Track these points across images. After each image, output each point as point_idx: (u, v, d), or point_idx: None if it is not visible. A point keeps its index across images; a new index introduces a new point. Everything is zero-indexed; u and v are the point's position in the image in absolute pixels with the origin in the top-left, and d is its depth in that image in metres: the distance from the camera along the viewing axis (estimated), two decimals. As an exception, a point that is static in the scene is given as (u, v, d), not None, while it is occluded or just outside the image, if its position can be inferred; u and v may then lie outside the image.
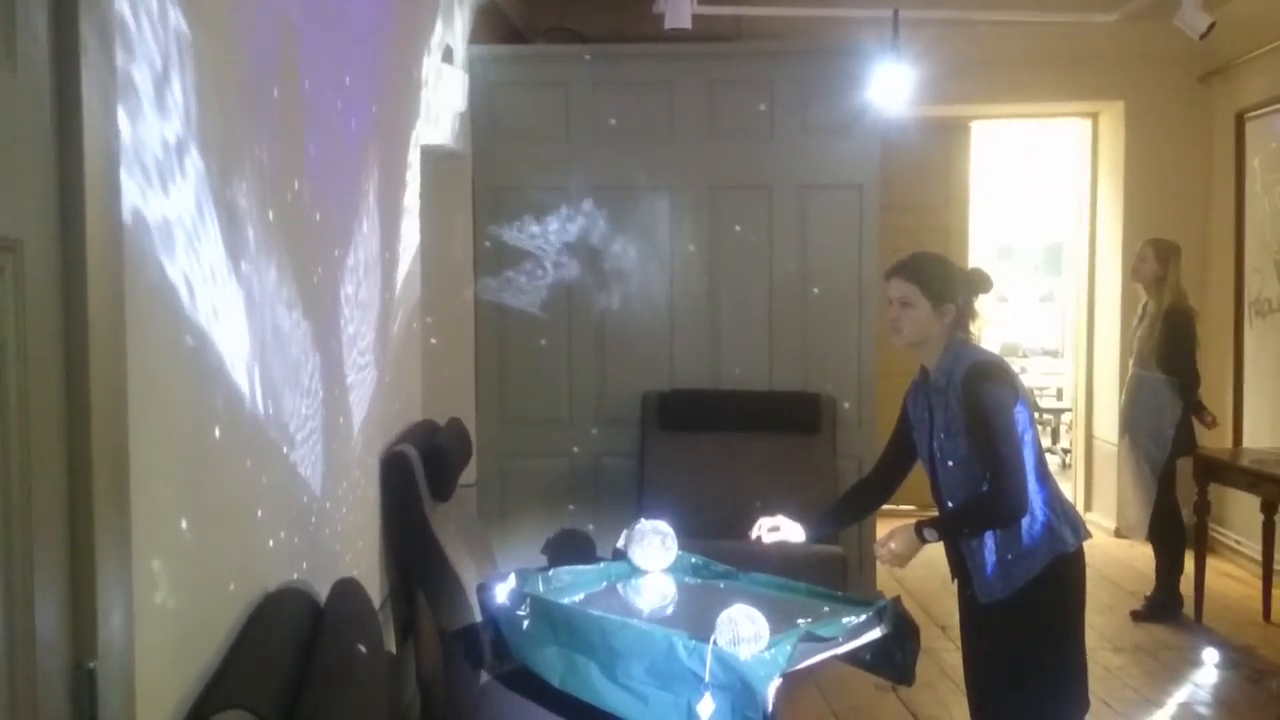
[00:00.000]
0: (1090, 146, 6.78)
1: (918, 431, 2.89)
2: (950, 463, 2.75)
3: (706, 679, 2.16)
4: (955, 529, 2.73)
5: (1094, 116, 6.73)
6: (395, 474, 3.18)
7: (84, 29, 1.13)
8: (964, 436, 2.68)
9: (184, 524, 1.70)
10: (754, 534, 3.01)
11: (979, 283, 2.88)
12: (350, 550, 2.85)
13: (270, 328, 2.16)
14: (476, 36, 4.70)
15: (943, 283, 2.75)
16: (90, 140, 1.15)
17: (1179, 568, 5.09)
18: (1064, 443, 8.86)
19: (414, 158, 3.69)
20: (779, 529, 2.99)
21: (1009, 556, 2.68)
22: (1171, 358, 4.93)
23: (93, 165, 1.15)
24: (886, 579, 5.01)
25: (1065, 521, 2.70)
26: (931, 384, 2.78)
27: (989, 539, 2.70)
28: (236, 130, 1.98)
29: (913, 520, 2.72)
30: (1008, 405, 2.64)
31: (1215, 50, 5.80)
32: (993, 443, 2.60)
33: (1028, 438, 2.68)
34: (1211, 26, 5.08)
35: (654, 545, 3.04)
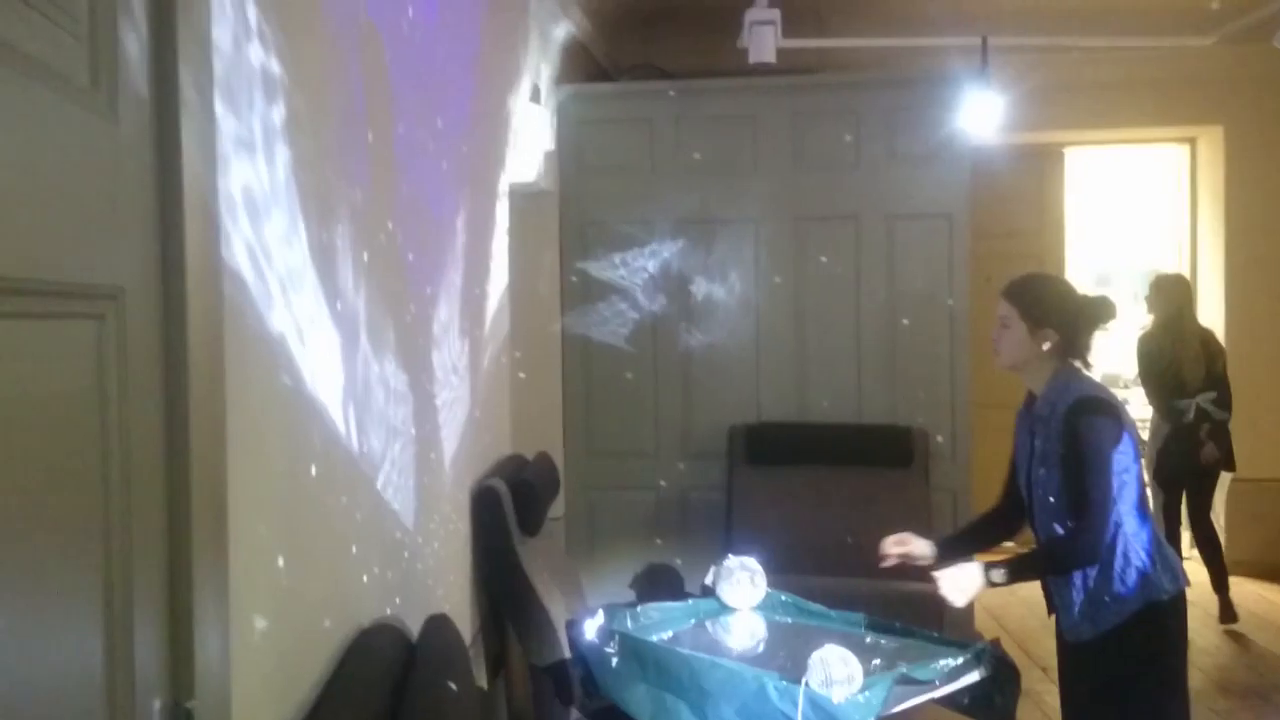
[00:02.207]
0: (1189, 172, 6.59)
1: (1019, 457, 2.81)
2: (1049, 496, 2.66)
3: (799, 721, 2.12)
4: (1024, 574, 2.64)
5: (1192, 141, 6.54)
6: (485, 508, 3.21)
7: (183, 81, 1.17)
8: (1059, 469, 2.60)
9: (281, 561, 1.73)
10: (882, 551, 2.92)
11: (1099, 312, 2.69)
12: (442, 585, 2.88)
13: (364, 366, 2.20)
14: (563, 76, 4.76)
15: (1043, 307, 2.65)
16: (190, 188, 1.18)
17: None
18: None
19: (503, 196, 3.75)
20: (906, 543, 2.88)
21: (1099, 598, 2.57)
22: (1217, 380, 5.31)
23: (193, 213, 1.19)
24: (985, 619, 4.89)
25: (1164, 568, 2.57)
26: (1035, 412, 2.70)
27: (1076, 578, 2.61)
28: (331, 175, 2.03)
29: (981, 560, 2.63)
30: (1107, 446, 2.53)
31: (1318, 70, 5.61)
32: (1082, 484, 2.51)
33: (1129, 476, 2.57)
34: (1314, 46, 4.91)
35: (742, 583, 3.01)
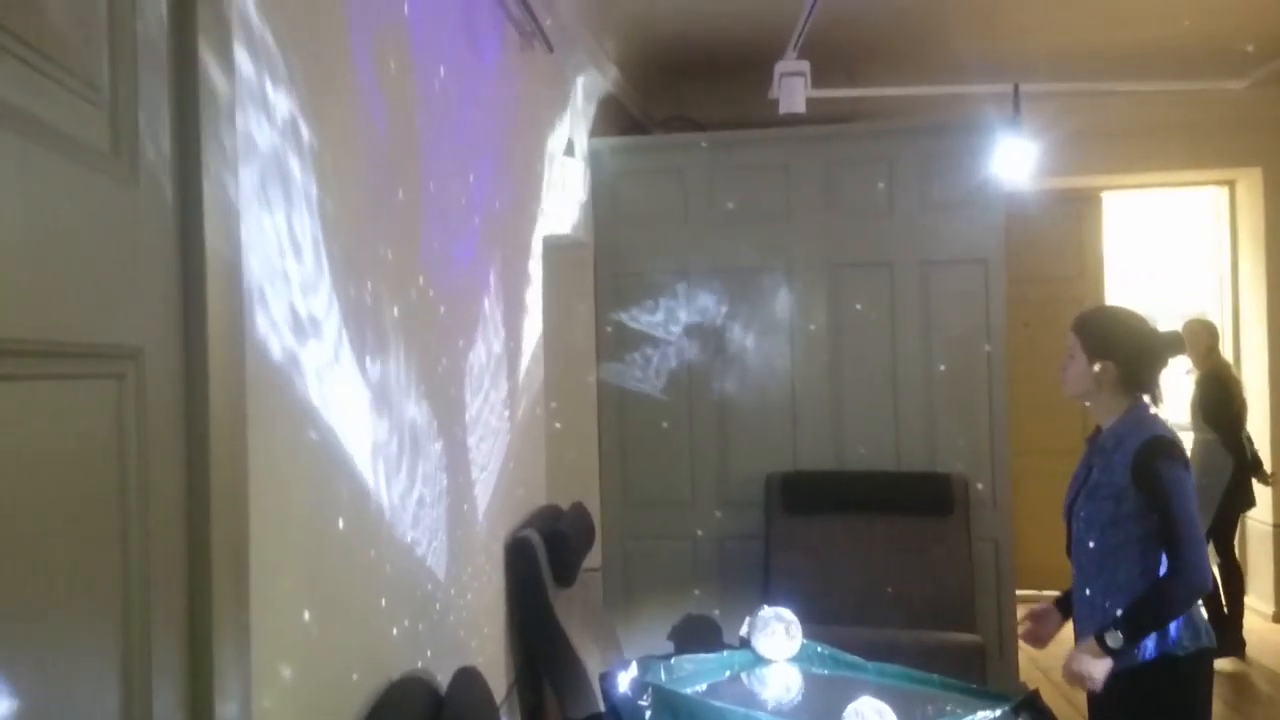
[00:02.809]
0: (1228, 215, 6.53)
1: (1071, 485, 2.81)
2: (1090, 526, 2.63)
3: (831, 776, 2.09)
4: (1141, 624, 2.51)
5: (1231, 184, 6.48)
6: (519, 560, 3.21)
7: (206, 144, 1.20)
8: (1111, 502, 2.58)
9: (307, 615, 1.74)
10: (1027, 633, 2.92)
11: (1163, 348, 2.72)
12: (476, 637, 2.87)
13: (394, 419, 2.22)
14: (597, 129, 4.83)
15: (1104, 339, 2.69)
16: (212, 249, 1.21)
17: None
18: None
19: (536, 248, 3.78)
20: (1039, 622, 2.88)
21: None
22: (1212, 413, 5.49)
23: (214, 273, 1.22)
24: (1029, 668, 4.79)
25: (1186, 623, 2.55)
26: (1099, 443, 2.70)
27: (1100, 597, 2.60)
28: (361, 231, 2.07)
29: (1089, 637, 2.57)
30: (1188, 486, 2.54)
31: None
32: (1172, 525, 2.50)
33: None
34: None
35: (778, 634, 2.98)
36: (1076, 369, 2.71)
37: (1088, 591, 2.68)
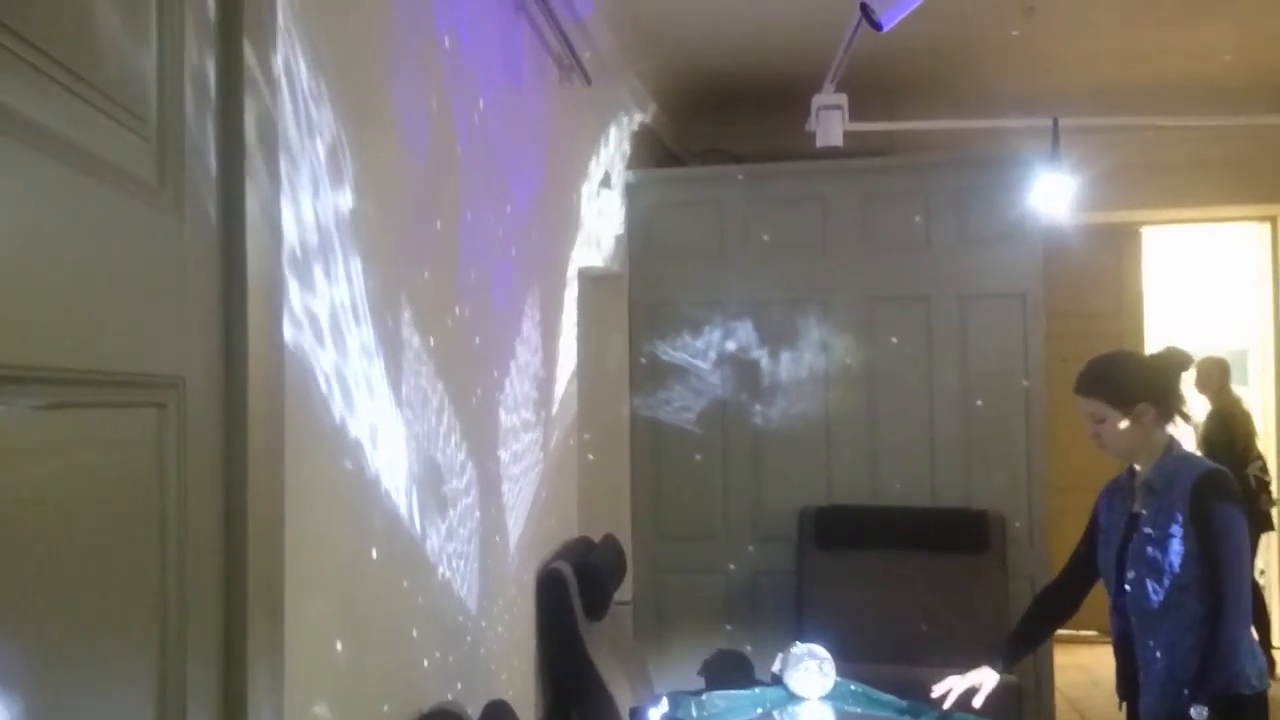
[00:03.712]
0: (1270, 250, 6.45)
1: (1104, 533, 2.72)
2: (1155, 572, 2.53)
3: (865, 819, 2.05)
4: (1216, 678, 2.42)
5: (1273, 220, 6.40)
6: (550, 592, 3.19)
7: (250, 177, 1.21)
8: (1183, 544, 2.49)
9: (339, 645, 1.74)
10: (938, 692, 2.80)
11: (1175, 365, 2.67)
12: (506, 669, 2.86)
13: (429, 449, 2.23)
14: (634, 161, 4.85)
15: (1127, 386, 2.61)
16: (254, 281, 1.22)
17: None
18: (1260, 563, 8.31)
19: (572, 280, 3.80)
20: (974, 686, 2.76)
21: (1184, 679, 2.47)
22: (1216, 447, 5.76)
23: (256, 304, 1.22)
24: (1066, 709, 4.71)
25: (1252, 660, 2.47)
26: (1143, 483, 2.61)
27: (1164, 654, 2.51)
28: (399, 261, 2.08)
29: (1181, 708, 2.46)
30: (1243, 530, 2.48)
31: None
32: (1219, 571, 2.43)
33: None
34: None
35: (811, 671, 2.95)
36: (1114, 429, 2.61)
37: (1151, 643, 2.57)
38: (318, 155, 1.67)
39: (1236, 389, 6.54)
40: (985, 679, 2.74)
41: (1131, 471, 2.68)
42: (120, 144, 1.03)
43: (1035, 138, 4.61)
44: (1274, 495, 5.98)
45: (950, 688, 2.72)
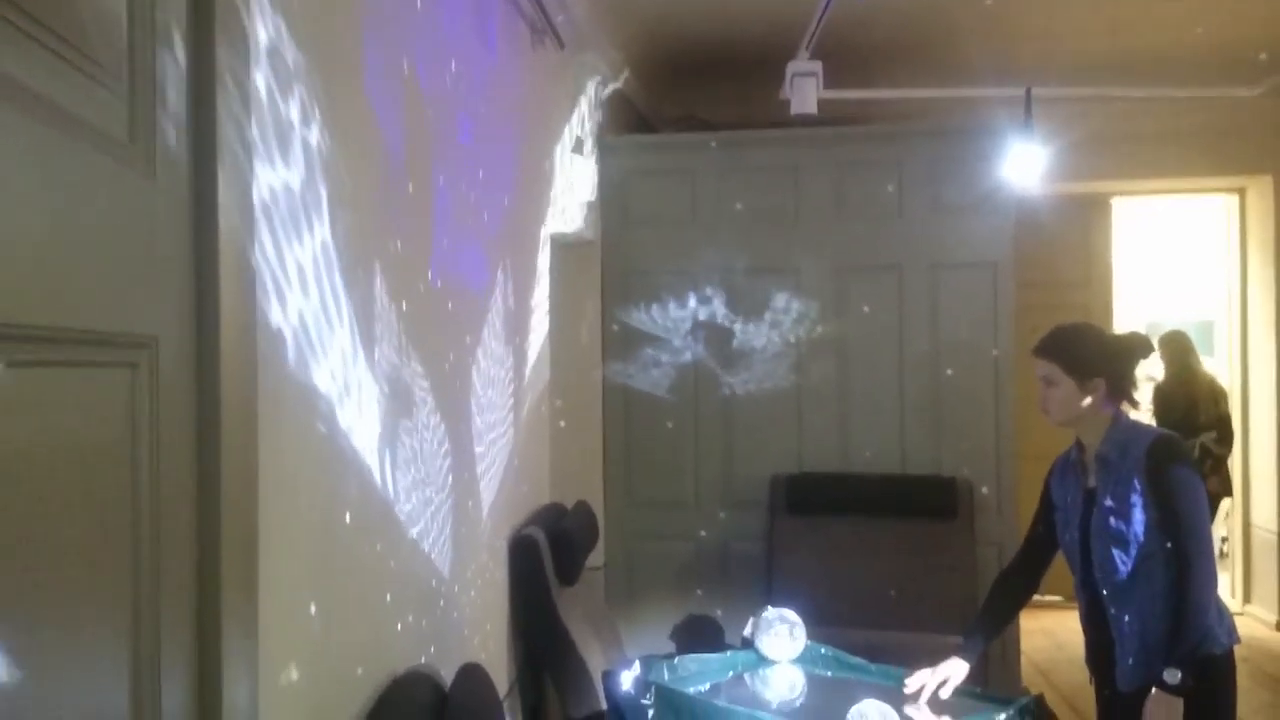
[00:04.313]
0: (1239, 222, 6.52)
1: (1062, 512, 2.76)
2: (1121, 544, 2.57)
3: (834, 778, 2.08)
4: (1189, 642, 2.45)
5: (1241, 191, 6.47)
6: (522, 557, 3.21)
7: (222, 136, 1.20)
8: (1144, 512, 2.53)
9: (313, 609, 1.74)
10: (911, 688, 2.77)
11: (1137, 349, 2.71)
12: (478, 634, 2.87)
13: (401, 414, 2.22)
14: (606, 128, 4.82)
15: (1086, 358, 2.63)
16: (226, 241, 1.21)
17: None
18: (1221, 531, 8.42)
19: (544, 246, 3.78)
20: (945, 679, 2.75)
21: (1158, 646, 2.52)
22: (1168, 415, 6.12)
23: (228, 264, 1.21)
24: (1031, 674, 4.78)
25: (1220, 620, 2.53)
26: (1096, 457, 2.64)
27: (1136, 624, 2.55)
28: (370, 226, 2.06)
29: (1146, 685, 2.50)
30: (1200, 490, 2.52)
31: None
32: (1179, 534, 2.47)
33: None
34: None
35: (781, 635, 2.98)
36: (1063, 394, 2.63)
37: (1124, 614, 2.60)
38: (290, 117, 1.65)
39: (1204, 359, 6.67)
40: (955, 671, 2.76)
41: (1080, 447, 2.71)
42: (90, 99, 1.01)
43: (1009, 107, 4.63)
44: (1225, 469, 6.21)
45: (923, 683, 2.75)
